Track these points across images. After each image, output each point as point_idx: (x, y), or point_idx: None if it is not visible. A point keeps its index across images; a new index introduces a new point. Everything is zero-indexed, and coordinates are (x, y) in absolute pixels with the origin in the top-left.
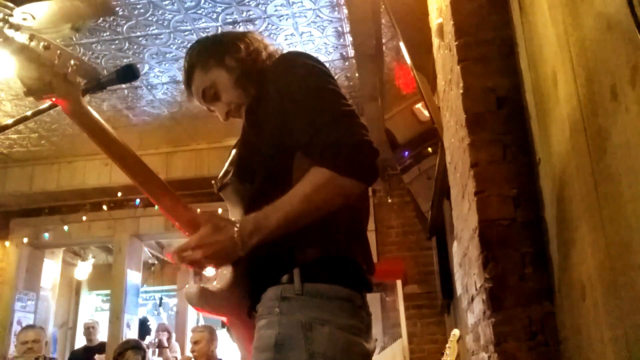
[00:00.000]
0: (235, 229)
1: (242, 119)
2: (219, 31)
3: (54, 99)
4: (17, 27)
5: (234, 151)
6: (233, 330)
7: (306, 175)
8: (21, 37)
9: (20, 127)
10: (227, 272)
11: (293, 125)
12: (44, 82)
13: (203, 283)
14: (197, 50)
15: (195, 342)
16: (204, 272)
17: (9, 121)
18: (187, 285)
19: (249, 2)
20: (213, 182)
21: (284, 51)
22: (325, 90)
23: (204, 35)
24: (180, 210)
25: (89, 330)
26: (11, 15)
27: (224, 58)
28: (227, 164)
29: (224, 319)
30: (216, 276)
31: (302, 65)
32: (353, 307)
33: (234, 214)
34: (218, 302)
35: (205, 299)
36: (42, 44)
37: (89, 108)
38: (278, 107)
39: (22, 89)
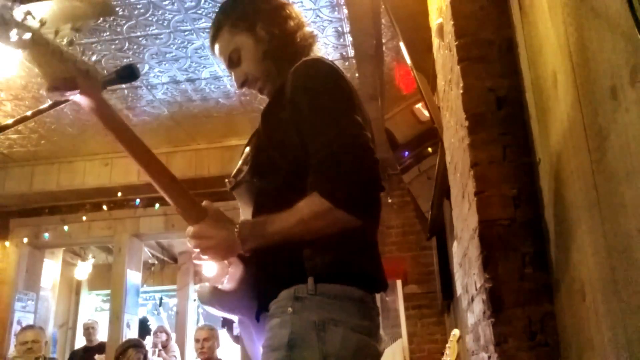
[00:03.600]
0: (235, 230)
1: (256, 90)
2: None
3: (76, 96)
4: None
5: (247, 149)
6: (242, 330)
7: (307, 199)
8: (45, 33)
9: (20, 127)
10: (237, 271)
11: (305, 142)
12: (67, 79)
13: (212, 282)
14: (232, 8)
15: (205, 339)
16: (203, 272)
17: (9, 121)
18: (198, 285)
19: None
20: (226, 180)
21: (315, 35)
22: (340, 114)
23: (203, 35)
24: (191, 209)
25: (89, 330)
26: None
27: (255, 26)
28: (240, 163)
29: (235, 318)
30: (219, 276)
31: (321, 81)
32: (366, 308)
33: (245, 212)
34: (229, 301)
35: (217, 298)
36: (65, 39)
37: (109, 104)
38: (293, 117)
39: (43, 86)
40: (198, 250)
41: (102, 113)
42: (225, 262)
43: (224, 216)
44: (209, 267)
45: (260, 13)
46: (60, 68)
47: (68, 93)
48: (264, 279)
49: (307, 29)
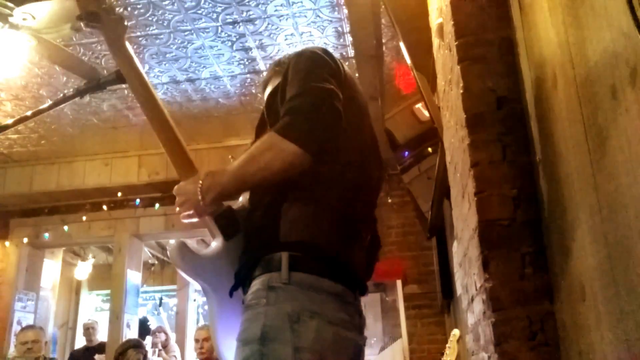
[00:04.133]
0: (199, 184)
1: None
2: (219, 31)
3: (98, 31)
4: (17, 27)
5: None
6: (207, 301)
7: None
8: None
9: (20, 127)
10: (219, 241)
11: None
12: (94, 13)
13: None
14: (280, 60)
15: (204, 339)
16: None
17: (9, 121)
18: (170, 241)
19: (249, 2)
20: (230, 157)
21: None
22: (310, 75)
23: (203, 35)
24: (186, 169)
25: (89, 330)
26: (11, 15)
27: (289, 68)
28: (250, 143)
29: (198, 284)
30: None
31: (305, 55)
32: (343, 302)
33: (245, 193)
34: (197, 265)
35: (182, 256)
36: None
37: (131, 52)
38: (282, 87)
39: (77, 14)
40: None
41: (119, 55)
42: (208, 229)
43: (206, 173)
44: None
45: (299, 56)
46: (92, 4)
47: (92, 25)
48: (244, 251)
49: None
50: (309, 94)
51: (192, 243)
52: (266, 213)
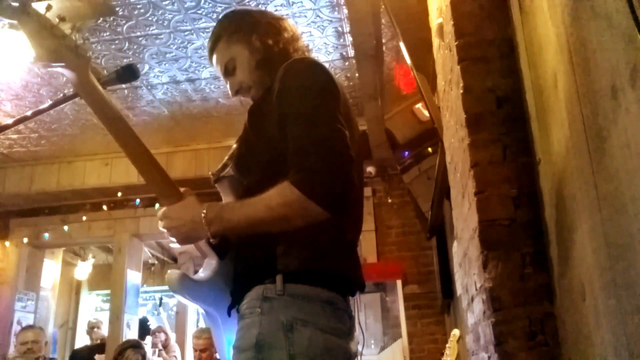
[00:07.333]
0: (202, 213)
1: (249, 98)
2: None
3: (61, 69)
4: (17, 27)
5: (234, 145)
6: (210, 323)
7: (277, 187)
8: (37, 6)
9: (20, 127)
10: (213, 262)
11: (286, 137)
12: (55, 52)
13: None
14: (229, 21)
15: (201, 350)
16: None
17: (9, 121)
18: (169, 271)
19: (249, 2)
20: (210, 173)
21: (310, 49)
22: (320, 109)
23: (203, 35)
24: (168, 192)
25: (93, 329)
26: None
27: (251, 36)
28: (226, 158)
29: (201, 309)
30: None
31: (308, 77)
32: (335, 309)
33: None
34: (198, 291)
35: (185, 286)
36: (57, 15)
37: (96, 83)
38: (277, 113)
39: (33, 55)
40: (166, 230)
41: (84, 90)
42: (198, 249)
43: (198, 202)
44: (179, 249)
45: (256, 25)
46: (49, 41)
47: (54, 65)
48: (238, 275)
49: (302, 42)
50: (324, 149)
51: (191, 247)
52: (261, 236)
